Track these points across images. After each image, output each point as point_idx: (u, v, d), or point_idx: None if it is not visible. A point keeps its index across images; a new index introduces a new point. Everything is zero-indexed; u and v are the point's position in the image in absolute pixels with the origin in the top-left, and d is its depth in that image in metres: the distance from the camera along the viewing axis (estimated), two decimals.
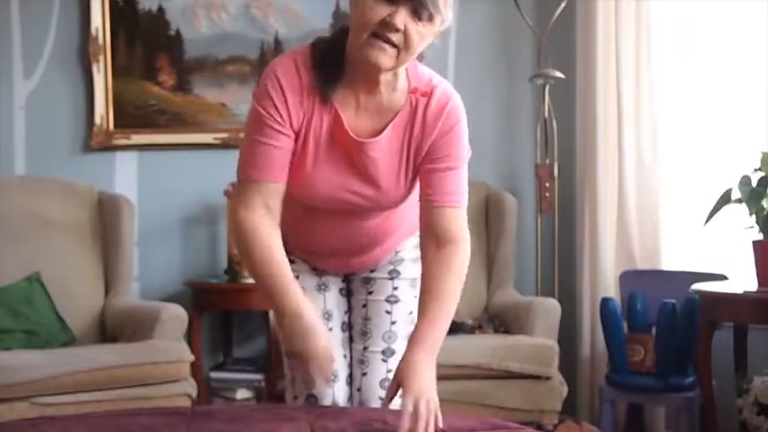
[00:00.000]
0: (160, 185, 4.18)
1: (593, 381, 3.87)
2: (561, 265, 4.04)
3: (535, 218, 4.13)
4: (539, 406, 3.42)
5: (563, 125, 4.07)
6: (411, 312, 2.03)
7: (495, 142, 4.25)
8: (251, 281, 3.80)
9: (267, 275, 1.79)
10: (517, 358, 3.39)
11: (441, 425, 1.67)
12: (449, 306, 1.82)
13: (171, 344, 3.38)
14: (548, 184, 4.02)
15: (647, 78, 3.81)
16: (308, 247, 2.01)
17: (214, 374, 3.98)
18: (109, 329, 3.71)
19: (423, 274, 1.86)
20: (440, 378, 3.43)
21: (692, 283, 3.24)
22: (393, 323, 2.01)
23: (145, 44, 4.18)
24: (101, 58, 4.13)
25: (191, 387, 3.35)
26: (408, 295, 2.04)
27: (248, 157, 1.79)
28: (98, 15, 4.12)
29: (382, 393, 1.98)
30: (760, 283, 3.13)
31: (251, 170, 1.78)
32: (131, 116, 4.18)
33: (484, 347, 3.43)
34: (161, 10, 4.17)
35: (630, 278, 3.72)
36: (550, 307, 3.65)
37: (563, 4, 3.95)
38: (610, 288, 3.83)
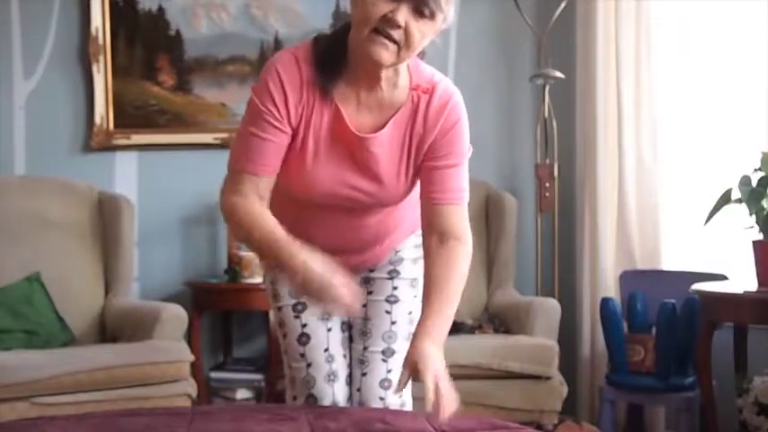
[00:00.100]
0: (160, 185, 4.18)
1: (593, 381, 3.87)
2: (561, 265, 4.04)
3: (535, 218, 4.13)
4: (539, 406, 3.42)
5: (563, 125, 4.07)
6: (411, 312, 2.03)
7: (495, 142, 4.25)
8: (251, 281, 3.81)
9: (271, 244, 1.77)
10: (517, 358, 3.39)
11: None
12: (453, 298, 1.82)
13: (171, 344, 3.38)
14: (548, 184, 4.02)
15: (647, 78, 3.81)
16: (308, 246, 2.01)
17: (214, 374, 3.98)
18: (109, 329, 3.71)
19: (426, 269, 1.86)
20: None
21: (692, 283, 3.24)
22: (393, 323, 2.02)
23: (145, 44, 4.18)
24: (101, 58, 4.13)
25: (191, 387, 3.35)
26: (408, 295, 2.04)
27: (243, 149, 1.80)
28: (98, 15, 4.12)
29: (382, 393, 1.98)
30: (760, 283, 3.13)
31: (245, 162, 1.79)
32: (131, 116, 4.18)
33: (484, 347, 3.43)
34: (161, 10, 4.17)
35: (630, 278, 3.72)
36: (550, 307, 3.65)
37: (563, 4, 3.95)
38: (610, 288, 3.83)
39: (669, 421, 3.68)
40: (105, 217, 3.89)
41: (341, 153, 1.82)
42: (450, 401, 1.66)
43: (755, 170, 3.10)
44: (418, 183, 1.90)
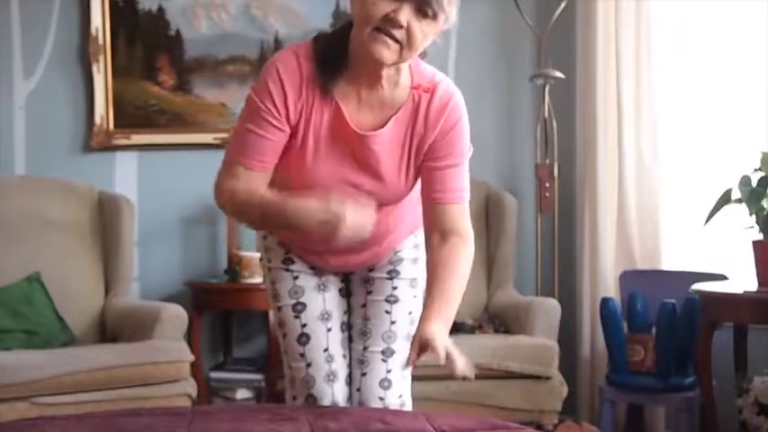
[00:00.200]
0: (160, 185, 4.18)
1: (593, 381, 3.87)
2: (561, 265, 4.04)
3: (535, 218, 4.13)
4: (539, 406, 3.42)
5: (563, 125, 4.06)
6: (410, 312, 2.04)
7: (495, 142, 4.25)
8: (251, 281, 3.81)
9: (277, 213, 1.78)
10: (517, 358, 3.39)
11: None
12: (457, 288, 1.82)
13: (171, 344, 3.38)
14: (548, 184, 4.02)
15: (647, 78, 3.81)
16: (308, 245, 2.01)
17: (214, 374, 3.98)
18: (109, 329, 3.71)
19: (429, 264, 1.87)
20: (440, 378, 3.45)
21: (692, 283, 3.24)
22: (393, 323, 2.02)
23: (145, 44, 4.18)
24: (101, 58, 4.13)
25: (191, 387, 3.35)
26: (408, 295, 2.05)
27: (239, 146, 1.81)
28: (98, 15, 4.12)
29: (382, 393, 1.98)
30: (760, 283, 3.13)
31: (242, 158, 1.80)
32: (131, 116, 4.18)
33: (484, 347, 3.43)
34: (161, 10, 4.17)
35: (630, 278, 3.72)
36: (550, 307, 3.65)
37: (563, 4, 3.95)
38: (610, 288, 3.83)
39: (669, 421, 3.68)
40: (105, 217, 3.89)
41: (341, 151, 1.82)
42: (464, 361, 1.66)
43: (755, 170, 3.10)
44: (418, 182, 1.91)
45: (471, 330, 3.71)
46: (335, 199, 1.71)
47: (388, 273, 2.05)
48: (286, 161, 1.83)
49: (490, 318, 3.86)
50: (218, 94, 4.19)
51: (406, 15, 1.67)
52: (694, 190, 3.76)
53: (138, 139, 4.18)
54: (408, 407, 2.04)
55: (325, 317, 2.02)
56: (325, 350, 1.99)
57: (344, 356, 2.02)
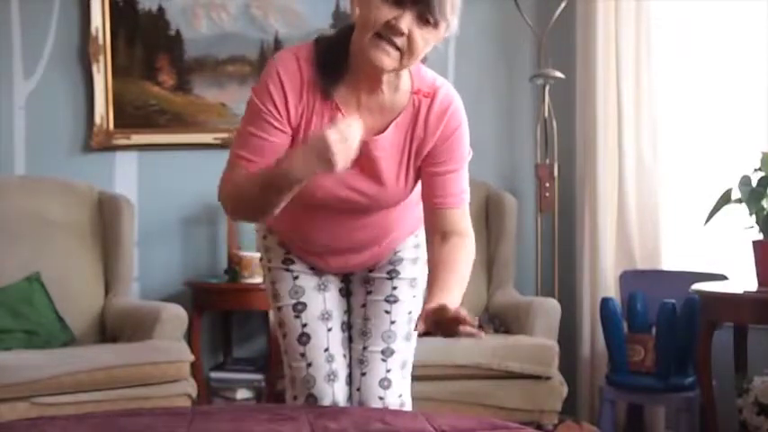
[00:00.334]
0: (160, 185, 4.18)
1: (593, 381, 3.87)
2: (561, 265, 4.04)
3: (535, 218, 4.13)
4: (539, 406, 3.42)
5: (563, 125, 4.06)
6: (410, 312, 2.04)
7: (495, 142, 4.25)
8: (251, 281, 3.81)
9: (272, 177, 1.72)
10: (517, 358, 3.39)
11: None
12: (458, 286, 1.78)
13: (171, 344, 3.38)
14: (548, 184, 4.02)
15: (647, 78, 3.81)
16: (308, 246, 2.02)
17: (214, 374, 3.98)
18: (109, 329, 3.71)
19: (430, 262, 1.86)
20: (440, 378, 3.45)
21: (692, 283, 3.24)
22: (392, 323, 2.02)
23: (145, 44, 4.18)
24: (101, 58, 4.13)
25: (191, 387, 3.35)
26: (407, 295, 2.05)
27: (242, 146, 1.81)
28: (98, 15, 4.12)
29: (382, 393, 1.98)
30: (760, 283, 3.13)
31: (243, 160, 1.80)
32: (131, 116, 4.18)
33: (484, 347, 3.43)
34: (161, 10, 4.17)
35: (630, 278, 3.72)
36: (550, 307, 3.65)
37: (563, 4, 3.95)
38: (610, 288, 3.83)
39: (669, 421, 3.68)
40: (105, 217, 3.89)
41: None
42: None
43: (755, 170, 3.10)
44: (418, 183, 1.91)
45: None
46: (313, 133, 1.69)
47: (388, 273, 2.06)
48: None
49: (490, 318, 3.86)
50: (218, 94, 4.19)
51: (407, 23, 1.67)
52: (694, 190, 3.76)
53: (138, 139, 4.18)
54: (408, 406, 2.04)
55: (326, 317, 2.02)
56: (326, 350, 2.00)
57: (345, 356, 2.02)
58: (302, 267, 2.04)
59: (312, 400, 1.98)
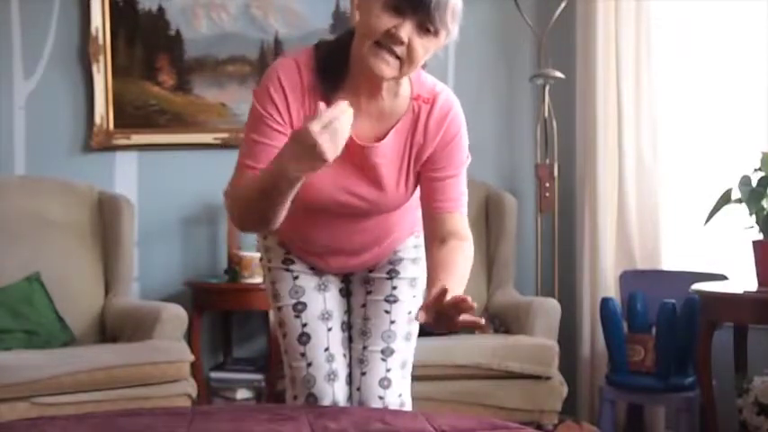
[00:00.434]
0: (160, 185, 4.18)
1: (593, 381, 3.87)
2: (561, 265, 4.04)
3: (535, 218, 4.13)
4: (539, 406, 3.42)
5: (563, 125, 4.06)
6: (410, 312, 2.04)
7: (495, 142, 4.25)
8: (251, 281, 3.81)
9: (269, 177, 1.68)
10: (517, 358, 3.39)
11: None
12: (457, 287, 1.75)
13: (171, 344, 3.38)
14: (548, 184, 4.02)
15: (647, 78, 3.81)
16: (308, 247, 2.02)
17: (214, 374, 3.98)
18: (109, 329, 3.71)
19: (429, 264, 1.86)
20: (440, 378, 3.45)
21: (692, 283, 3.24)
22: (392, 323, 2.02)
23: (145, 44, 4.18)
24: (101, 58, 4.13)
25: (191, 387, 3.35)
26: (407, 295, 2.05)
27: (246, 154, 1.80)
28: (98, 15, 4.12)
29: (381, 392, 1.98)
30: (760, 283, 3.13)
31: (248, 169, 1.78)
32: (131, 116, 4.18)
33: (484, 347, 3.43)
34: (161, 10, 4.17)
35: (630, 278, 3.72)
36: (550, 307, 3.65)
37: (563, 4, 3.95)
38: (610, 288, 3.83)
39: (669, 421, 3.68)
40: (105, 217, 3.89)
41: (342, 160, 1.81)
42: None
43: (755, 170, 3.10)
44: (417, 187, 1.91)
45: (471, 330, 3.71)
46: (296, 128, 1.62)
47: (388, 273, 2.06)
48: None
49: (490, 318, 3.86)
50: (218, 94, 4.19)
51: (407, 32, 1.67)
52: (694, 190, 3.76)
53: (138, 139, 4.18)
54: (408, 406, 2.04)
55: (326, 316, 2.02)
56: (326, 350, 2.00)
57: (345, 356, 2.02)
58: (302, 267, 2.04)
59: (312, 399, 1.98)
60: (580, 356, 3.92)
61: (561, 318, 3.66)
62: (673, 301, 3.29)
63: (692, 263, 3.73)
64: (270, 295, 2.08)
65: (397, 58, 1.69)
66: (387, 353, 2.01)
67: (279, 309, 2.04)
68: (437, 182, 1.85)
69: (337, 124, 1.57)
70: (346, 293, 2.10)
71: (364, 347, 2.01)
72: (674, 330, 3.27)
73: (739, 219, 3.16)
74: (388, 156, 1.84)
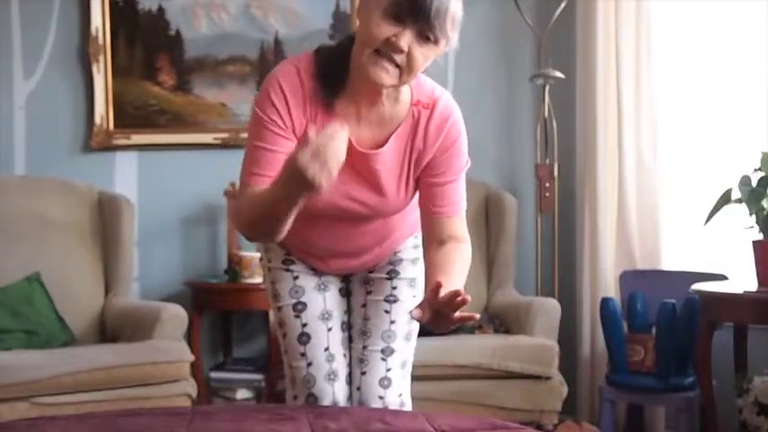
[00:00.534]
0: (160, 185, 4.18)
1: (593, 381, 3.87)
2: (561, 265, 4.04)
3: (535, 218, 4.13)
4: (539, 406, 3.42)
5: (563, 125, 4.06)
6: (410, 312, 2.04)
7: (495, 142, 4.25)
8: (251, 281, 3.81)
9: (270, 210, 1.68)
10: (517, 358, 3.39)
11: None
12: (456, 284, 1.75)
13: (171, 344, 3.38)
14: (548, 184, 4.02)
15: (647, 78, 3.81)
16: (308, 249, 2.02)
17: (214, 374, 3.98)
18: (109, 329, 3.71)
19: (426, 266, 1.86)
20: (440, 378, 3.45)
21: (692, 283, 3.24)
22: (392, 322, 2.02)
23: (145, 44, 4.18)
24: (101, 58, 4.13)
25: (191, 387, 3.35)
26: (407, 295, 2.05)
27: (250, 163, 1.79)
28: (98, 15, 4.12)
29: (382, 392, 1.98)
30: (760, 283, 3.13)
31: (255, 176, 1.77)
32: (131, 116, 4.18)
33: (484, 347, 3.43)
34: (161, 10, 4.17)
35: (630, 278, 3.72)
36: (550, 307, 3.65)
37: (563, 4, 3.95)
38: (610, 288, 3.83)
39: (669, 421, 3.68)
40: (105, 217, 3.89)
41: (343, 167, 1.81)
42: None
43: (755, 170, 3.10)
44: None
45: (471, 330, 3.71)
46: (289, 156, 1.58)
47: (388, 273, 2.06)
48: None
49: (490, 318, 3.86)
50: (218, 94, 4.18)
51: (407, 40, 1.67)
52: (694, 190, 3.76)
53: (138, 139, 4.18)
54: (408, 406, 2.04)
55: (326, 316, 2.02)
56: (326, 349, 2.00)
57: (345, 356, 2.02)
58: (302, 267, 2.05)
59: (312, 399, 1.98)
60: (580, 356, 3.92)
61: (561, 318, 3.66)
62: (673, 301, 3.29)
63: (692, 263, 3.73)
64: (270, 295, 2.08)
65: (397, 66, 1.69)
66: (387, 352, 2.01)
67: (279, 309, 2.04)
68: (436, 187, 1.86)
69: (328, 151, 1.52)
70: (346, 293, 2.10)
71: (364, 347, 2.01)
72: (674, 330, 3.27)
73: (739, 219, 3.16)
74: (388, 162, 1.84)
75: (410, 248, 2.09)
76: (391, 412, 1.89)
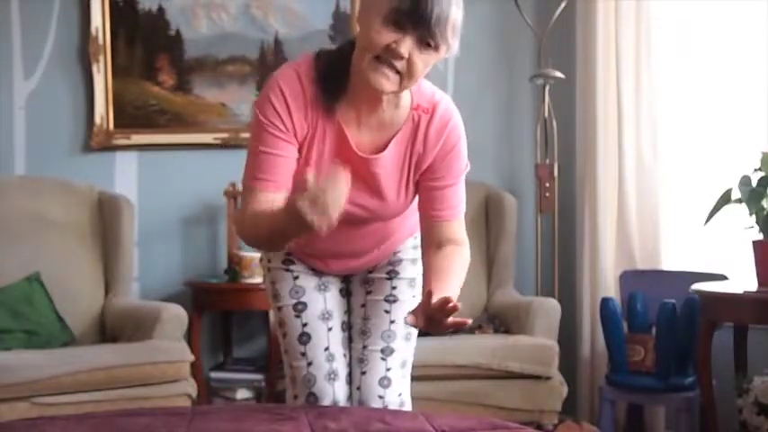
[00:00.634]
0: (160, 185, 4.18)
1: (593, 381, 3.87)
2: (561, 265, 4.04)
3: (535, 218, 4.13)
4: (539, 406, 3.42)
5: (563, 125, 4.07)
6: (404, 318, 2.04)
7: (495, 142, 4.25)
8: (251, 281, 3.81)
9: (275, 226, 1.69)
10: (517, 358, 3.39)
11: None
12: (453, 286, 1.77)
13: (171, 344, 3.38)
14: (548, 184, 4.02)
15: (647, 78, 3.81)
16: (309, 250, 2.02)
17: (214, 374, 3.98)
18: (109, 329, 3.71)
19: (424, 269, 1.87)
20: (440, 378, 3.45)
21: (692, 283, 3.24)
22: (392, 322, 2.02)
23: (145, 44, 4.18)
24: (101, 58, 4.13)
25: (191, 387, 3.35)
26: (407, 295, 2.05)
27: (253, 168, 1.79)
28: (98, 15, 4.12)
29: (382, 392, 1.98)
30: (760, 283, 3.13)
31: (257, 181, 1.77)
32: (131, 116, 4.18)
33: (484, 347, 3.43)
34: (161, 10, 4.17)
35: (630, 278, 3.72)
36: (550, 307, 3.65)
37: (563, 4, 3.95)
38: (610, 288, 3.83)
39: (669, 421, 3.68)
40: (105, 217, 3.89)
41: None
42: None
43: (755, 170, 3.10)
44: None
45: (471, 330, 3.71)
46: (289, 199, 1.60)
47: (388, 273, 2.06)
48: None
49: (490, 318, 3.86)
50: (218, 94, 4.18)
51: (407, 47, 1.67)
52: (694, 190, 3.76)
53: (138, 139, 4.18)
54: (408, 406, 2.04)
55: (326, 316, 2.02)
56: (326, 349, 2.00)
57: (345, 355, 2.03)
58: (302, 268, 2.05)
59: (312, 399, 1.98)
60: (580, 356, 3.92)
61: (561, 318, 3.66)
62: (673, 301, 3.29)
63: (692, 263, 3.73)
64: (270, 295, 2.08)
65: (397, 72, 1.69)
66: (387, 352, 2.01)
67: (279, 309, 2.04)
68: (436, 191, 1.86)
69: (327, 199, 1.51)
70: (346, 293, 2.10)
71: (364, 347, 2.02)
72: (674, 330, 3.27)
73: (739, 219, 3.16)
74: (388, 166, 1.84)
75: (410, 249, 2.09)
76: (391, 412, 1.89)
